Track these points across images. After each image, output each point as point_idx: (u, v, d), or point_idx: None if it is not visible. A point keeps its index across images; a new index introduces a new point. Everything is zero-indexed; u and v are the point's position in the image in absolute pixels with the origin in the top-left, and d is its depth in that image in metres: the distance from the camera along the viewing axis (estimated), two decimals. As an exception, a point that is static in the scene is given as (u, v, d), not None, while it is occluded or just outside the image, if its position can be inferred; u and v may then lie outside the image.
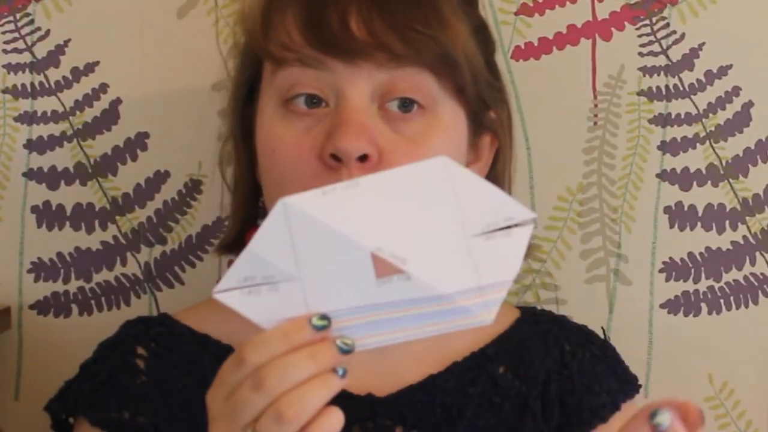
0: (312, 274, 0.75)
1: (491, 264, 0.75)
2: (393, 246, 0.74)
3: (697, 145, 1.27)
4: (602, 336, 1.15)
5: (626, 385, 1.08)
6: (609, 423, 1.03)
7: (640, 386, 1.12)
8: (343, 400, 0.76)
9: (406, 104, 0.95)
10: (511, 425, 1.02)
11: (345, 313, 0.75)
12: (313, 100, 0.94)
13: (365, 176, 0.76)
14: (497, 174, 1.06)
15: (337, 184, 0.75)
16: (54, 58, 1.25)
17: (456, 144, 0.98)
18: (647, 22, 1.26)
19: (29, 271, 1.26)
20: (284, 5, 0.96)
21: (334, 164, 0.92)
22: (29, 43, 1.25)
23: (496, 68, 1.05)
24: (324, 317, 0.74)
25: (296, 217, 0.74)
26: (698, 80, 1.27)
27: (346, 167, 0.91)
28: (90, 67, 1.25)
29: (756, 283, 1.28)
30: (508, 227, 0.75)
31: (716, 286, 1.28)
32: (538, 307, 1.16)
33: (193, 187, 1.26)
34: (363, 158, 0.92)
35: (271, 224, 0.75)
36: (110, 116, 1.25)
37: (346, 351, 0.74)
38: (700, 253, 1.28)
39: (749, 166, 1.27)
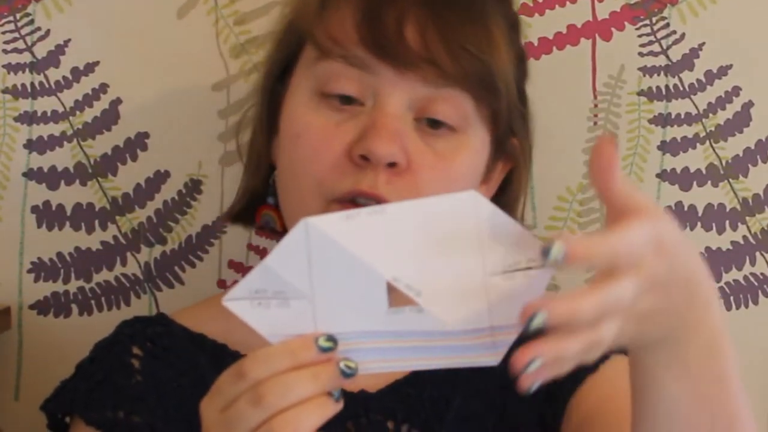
0: (324, 295, 0.74)
1: (506, 306, 0.73)
2: (409, 277, 0.73)
3: (697, 145, 1.27)
4: None
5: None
6: (600, 371, 1.01)
7: None
8: None
9: (437, 122, 0.95)
10: (498, 409, 1.02)
11: (352, 336, 0.74)
12: (350, 100, 0.95)
13: (393, 203, 0.75)
14: (509, 200, 1.06)
15: (363, 210, 0.74)
16: (54, 58, 1.25)
17: (477, 166, 0.99)
18: (647, 22, 1.26)
19: (29, 271, 1.26)
20: (346, 1, 0.95)
21: (361, 163, 0.92)
22: (29, 43, 1.25)
23: (526, 97, 1.06)
24: (331, 338, 0.74)
25: (317, 238, 0.73)
26: (698, 80, 1.27)
27: (372, 170, 0.92)
28: (90, 67, 1.25)
29: (756, 283, 1.28)
30: (529, 268, 0.74)
31: (716, 286, 1.28)
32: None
33: (193, 187, 1.26)
34: (392, 164, 0.92)
35: (290, 241, 0.74)
36: (110, 116, 1.25)
37: (349, 375, 0.74)
38: (700, 253, 1.27)
39: (749, 166, 1.27)
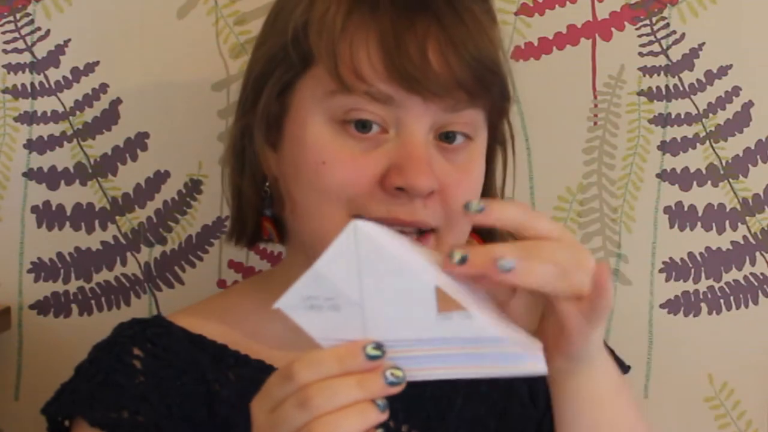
0: (373, 301, 0.74)
1: None
2: (454, 283, 0.74)
3: (697, 145, 1.27)
4: None
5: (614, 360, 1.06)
6: None
7: (628, 367, 1.13)
8: None
9: (452, 136, 0.95)
10: (499, 413, 1.02)
11: (401, 344, 0.74)
12: (369, 126, 0.93)
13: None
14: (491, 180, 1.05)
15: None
16: (54, 58, 1.25)
17: (484, 162, 0.99)
18: (647, 22, 1.26)
19: (29, 271, 1.26)
20: (365, 27, 0.93)
21: (396, 193, 0.92)
22: (29, 43, 1.25)
23: None
24: (379, 347, 0.74)
25: (366, 243, 0.73)
26: (698, 80, 1.27)
27: (408, 198, 0.91)
28: (90, 67, 1.25)
29: (756, 283, 1.28)
30: None
31: (716, 286, 1.28)
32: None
33: (193, 187, 1.26)
34: (429, 193, 0.92)
35: (339, 246, 0.74)
36: (110, 116, 1.25)
37: (395, 383, 0.74)
38: (700, 253, 1.28)
39: (749, 166, 1.27)
